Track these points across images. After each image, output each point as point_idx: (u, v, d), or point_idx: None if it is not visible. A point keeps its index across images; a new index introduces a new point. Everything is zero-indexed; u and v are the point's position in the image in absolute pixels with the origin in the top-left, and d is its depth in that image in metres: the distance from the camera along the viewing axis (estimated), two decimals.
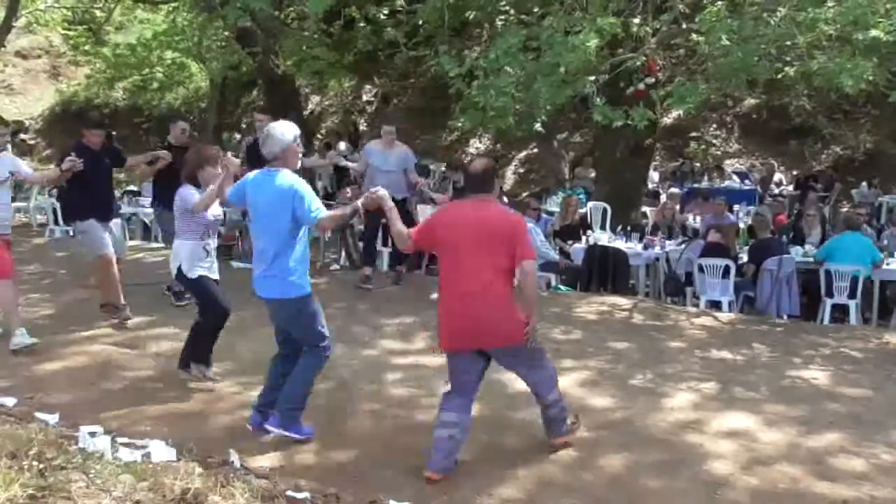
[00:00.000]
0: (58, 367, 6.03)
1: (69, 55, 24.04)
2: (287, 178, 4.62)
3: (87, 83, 24.15)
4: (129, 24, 22.11)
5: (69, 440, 4.36)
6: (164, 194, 7.33)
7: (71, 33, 21.85)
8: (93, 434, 4.46)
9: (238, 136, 19.09)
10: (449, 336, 4.44)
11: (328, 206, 11.43)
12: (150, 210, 12.75)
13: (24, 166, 7.12)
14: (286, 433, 4.72)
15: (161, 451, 4.34)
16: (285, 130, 4.68)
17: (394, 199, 7.81)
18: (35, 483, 3.54)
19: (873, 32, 6.75)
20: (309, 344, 4.81)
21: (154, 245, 11.77)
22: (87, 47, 21.64)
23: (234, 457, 4.40)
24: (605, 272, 9.40)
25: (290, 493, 4.07)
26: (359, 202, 4.83)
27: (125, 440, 4.48)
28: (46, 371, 5.93)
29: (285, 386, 4.79)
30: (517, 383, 5.81)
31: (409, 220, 8.60)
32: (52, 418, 4.81)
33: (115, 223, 7.48)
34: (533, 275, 4.38)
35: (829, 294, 8.65)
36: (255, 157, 7.67)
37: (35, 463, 3.78)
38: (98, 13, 19.49)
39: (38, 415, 4.84)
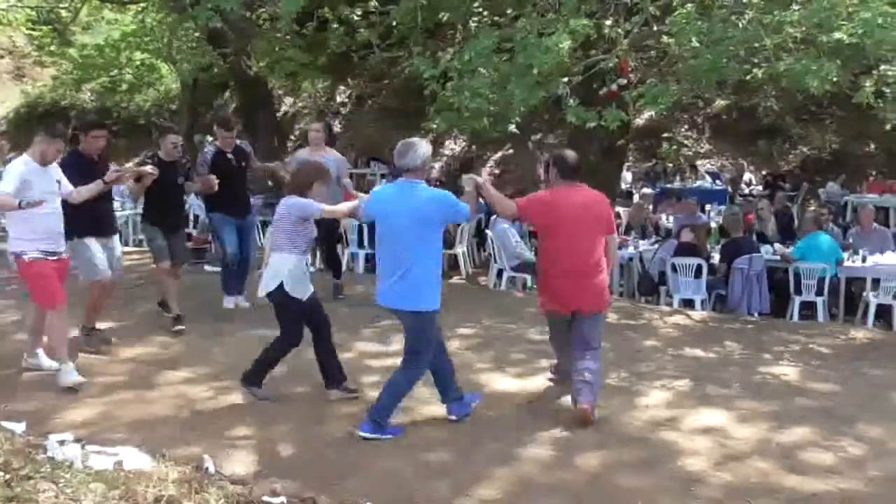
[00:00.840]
0: (25, 374, 5.95)
1: (34, 56, 23.66)
2: (429, 189, 4.92)
3: (54, 84, 23.79)
4: (97, 24, 21.79)
5: (37, 449, 4.31)
6: (152, 210, 7.12)
7: (35, 33, 21.52)
8: (62, 442, 4.41)
9: (210, 139, 18.96)
10: (563, 303, 5.29)
11: None
12: (120, 214, 12.68)
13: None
14: (384, 436, 4.83)
15: (133, 459, 4.30)
16: (424, 143, 4.89)
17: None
18: (1, 494, 3.48)
19: (837, 35, 6.86)
20: (415, 353, 4.95)
21: (125, 249, 11.64)
22: (52, 48, 21.32)
23: (209, 462, 4.37)
24: None
25: (265, 497, 4.06)
26: (467, 188, 5.09)
27: (96, 448, 4.43)
28: (13, 378, 5.84)
29: (384, 396, 4.88)
30: (495, 383, 5.85)
31: (333, 232, 8.41)
32: (19, 427, 4.74)
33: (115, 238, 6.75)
34: (616, 245, 5.66)
35: (798, 292, 8.78)
36: (221, 167, 7.31)
37: (1, 473, 3.72)
38: (64, 13, 19.20)
39: (5, 424, 4.77)
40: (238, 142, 7.67)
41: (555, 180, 5.35)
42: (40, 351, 5.98)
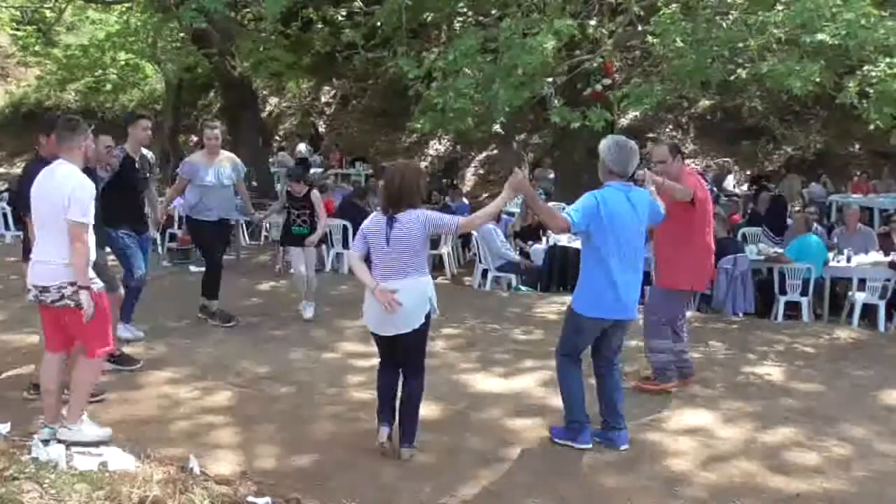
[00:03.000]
0: (8, 374, 5.89)
1: (18, 56, 23.50)
2: (643, 192, 4.94)
3: (38, 85, 23.66)
4: (81, 24, 21.67)
5: (21, 450, 4.27)
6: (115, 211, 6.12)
7: (20, 33, 21.35)
8: (46, 443, 4.37)
9: (195, 139, 18.87)
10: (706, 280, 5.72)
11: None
12: None
13: None
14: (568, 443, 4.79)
15: (118, 459, 4.28)
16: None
17: (224, 222, 7.50)
18: None
19: (820, 36, 6.90)
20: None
21: (108, 248, 11.56)
22: (36, 48, 21.16)
23: (194, 463, 4.35)
24: (566, 272, 9.47)
25: (250, 498, 4.04)
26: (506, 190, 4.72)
27: (80, 448, 4.39)
28: None
29: (611, 400, 4.84)
30: (479, 384, 5.85)
31: (225, 238, 7.84)
32: (4, 427, 4.70)
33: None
34: None
35: (783, 292, 8.83)
36: (131, 170, 6.48)
37: None
38: (48, 13, 19.05)
39: None
40: (143, 150, 6.74)
41: (679, 163, 5.75)
42: (85, 416, 4.76)
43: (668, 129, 18.51)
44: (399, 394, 4.63)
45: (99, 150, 5.92)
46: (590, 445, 4.71)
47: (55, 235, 4.44)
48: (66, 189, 4.38)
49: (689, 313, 8.38)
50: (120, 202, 6.23)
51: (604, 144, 4.78)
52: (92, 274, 4.52)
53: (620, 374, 4.98)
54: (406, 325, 4.45)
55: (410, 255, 4.43)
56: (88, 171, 4.94)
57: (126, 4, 17.06)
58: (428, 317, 4.51)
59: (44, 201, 4.50)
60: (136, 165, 6.57)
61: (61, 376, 4.68)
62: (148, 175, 6.80)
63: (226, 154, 7.44)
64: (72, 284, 4.41)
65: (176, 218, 11.61)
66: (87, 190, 4.45)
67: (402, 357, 4.60)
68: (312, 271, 7.81)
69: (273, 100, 23.38)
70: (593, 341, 4.86)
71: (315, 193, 7.75)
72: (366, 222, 4.62)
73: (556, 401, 5.55)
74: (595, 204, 4.58)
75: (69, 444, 4.42)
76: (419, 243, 4.45)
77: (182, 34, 15.73)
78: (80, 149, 4.62)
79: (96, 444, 4.49)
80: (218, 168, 7.22)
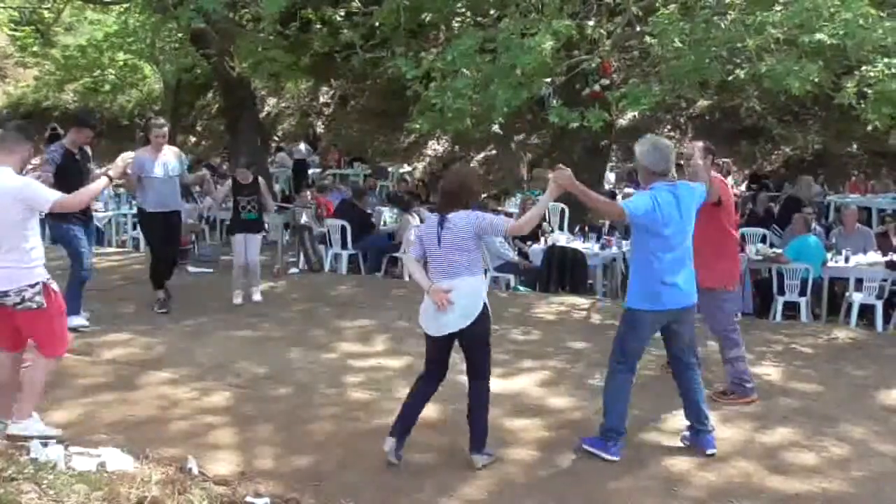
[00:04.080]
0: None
1: (16, 57, 23.51)
2: (687, 185, 4.86)
3: (36, 85, 23.66)
4: (79, 24, 21.66)
5: (20, 450, 4.27)
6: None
7: (18, 34, 21.37)
8: (45, 444, 4.37)
9: (193, 140, 18.87)
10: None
11: (285, 210, 11.26)
12: (102, 215, 12.61)
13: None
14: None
15: (116, 460, 4.27)
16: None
17: (171, 212, 7.66)
18: None
19: (818, 36, 6.90)
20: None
21: (107, 250, 11.59)
22: (35, 48, 21.19)
23: (192, 463, 4.35)
24: (564, 272, 9.48)
25: (249, 498, 4.05)
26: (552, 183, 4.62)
27: (79, 449, 4.39)
28: None
29: (692, 401, 4.83)
30: None
31: (178, 229, 7.91)
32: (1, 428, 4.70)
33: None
34: None
35: (781, 292, 8.83)
36: (72, 166, 6.65)
37: None
38: (46, 13, 19.06)
39: None
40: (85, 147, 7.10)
41: (708, 165, 5.51)
42: (35, 413, 4.74)
43: (666, 130, 18.52)
44: (423, 402, 4.64)
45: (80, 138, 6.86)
46: (618, 458, 4.62)
47: (10, 240, 4.46)
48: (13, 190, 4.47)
49: None
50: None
51: (641, 148, 4.76)
52: (46, 272, 4.59)
53: (699, 374, 4.90)
54: (461, 321, 4.44)
55: (461, 254, 4.46)
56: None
57: (124, 5, 17.02)
58: (486, 316, 4.48)
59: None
60: (77, 158, 6.88)
61: (13, 374, 4.71)
62: (89, 167, 7.06)
63: (169, 148, 7.71)
64: (32, 287, 4.45)
65: None
66: (33, 182, 4.69)
67: (468, 359, 4.58)
68: (256, 257, 8.28)
69: (272, 100, 23.37)
70: (663, 342, 4.94)
71: (261, 180, 8.34)
72: (421, 227, 4.73)
73: (554, 400, 5.57)
74: (652, 201, 4.57)
75: (11, 438, 4.46)
76: (470, 243, 4.46)
77: (180, 34, 15.72)
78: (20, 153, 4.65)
79: (43, 439, 4.47)
80: (164, 161, 7.50)
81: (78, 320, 6.78)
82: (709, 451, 4.72)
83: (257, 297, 8.22)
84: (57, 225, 6.93)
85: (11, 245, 4.45)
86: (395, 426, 4.55)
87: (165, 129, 7.73)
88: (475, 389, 4.56)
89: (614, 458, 4.62)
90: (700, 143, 5.71)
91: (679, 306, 4.69)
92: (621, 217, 5.00)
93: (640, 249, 4.72)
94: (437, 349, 4.58)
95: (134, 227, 12.96)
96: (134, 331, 7.05)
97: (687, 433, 4.87)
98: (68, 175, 6.31)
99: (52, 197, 4.60)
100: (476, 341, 4.51)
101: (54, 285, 4.58)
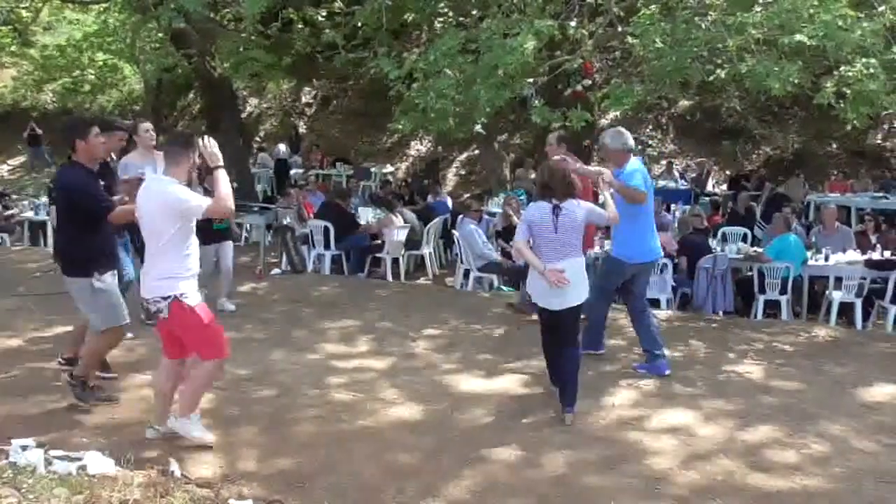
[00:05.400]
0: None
1: None
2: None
3: (14, 85, 23.44)
4: (58, 24, 21.49)
5: None
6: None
7: None
8: (24, 447, 4.33)
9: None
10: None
11: (267, 210, 11.19)
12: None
13: None
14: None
15: (97, 463, 4.23)
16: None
17: None
18: None
19: (798, 36, 6.96)
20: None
21: None
22: (13, 48, 20.99)
23: (174, 466, 4.32)
24: None
25: (232, 501, 4.03)
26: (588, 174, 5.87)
27: (59, 453, 4.35)
28: None
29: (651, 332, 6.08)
30: (461, 384, 5.85)
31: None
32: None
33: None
34: None
35: (762, 291, 8.90)
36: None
37: None
38: (24, 13, 18.88)
39: None
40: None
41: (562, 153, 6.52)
42: (194, 415, 4.74)
43: (648, 130, 18.62)
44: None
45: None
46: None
47: (153, 248, 4.51)
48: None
49: (668, 312, 8.49)
50: None
51: (610, 138, 6.03)
52: (187, 288, 4.49)
53: (649, 312, 6.23)
54: (576, 298, 5.17)
55: (575, 237, 5.14)
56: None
57: (104, 4, 16.93)
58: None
59: (147, 213, 4.51)
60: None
61: (173, 381, 4.75)
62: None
63: (157, 153, 6.92)
64: (164, 299, 4.44)
65: None
66: (183, 191, 4.48)
67: (562, 330, 5.23)
68: (230, 265, 7.91)
69: (253, 100, 23.26)
70: (624, 289, 6.15)
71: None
72: (531, 214, 5.21)
73: (538, 400, 5.58)
74: (644, 171, 5.88)
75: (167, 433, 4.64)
76: (581, 227, 5.18)
77: (161, 34, 15.64)
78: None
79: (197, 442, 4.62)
80: (155, 166, 6.59)
81: None
82: (665, 372, 5.96)
83: (231, 306, 7.81)
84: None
85: (152, 254, 4.52)
86: (553, 378, 5.45)
87: (148, 125, 7.09)
88: (572, 354, 5.21)
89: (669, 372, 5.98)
90: (554, 134, 6.82)
91: (655, 258, 6.15)
92: (643, 198, 5.83)
93: (633, 212, 5.74)
94: (559, 319, 5.21)
95: None
96: None
97: (639, 364, 6.12)
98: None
99: (204, 203, 4.48)
100: (575, 315, 5.23)
101: (189, 300, 4.47)
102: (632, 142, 6.02)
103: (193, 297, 4.50)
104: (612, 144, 6.01)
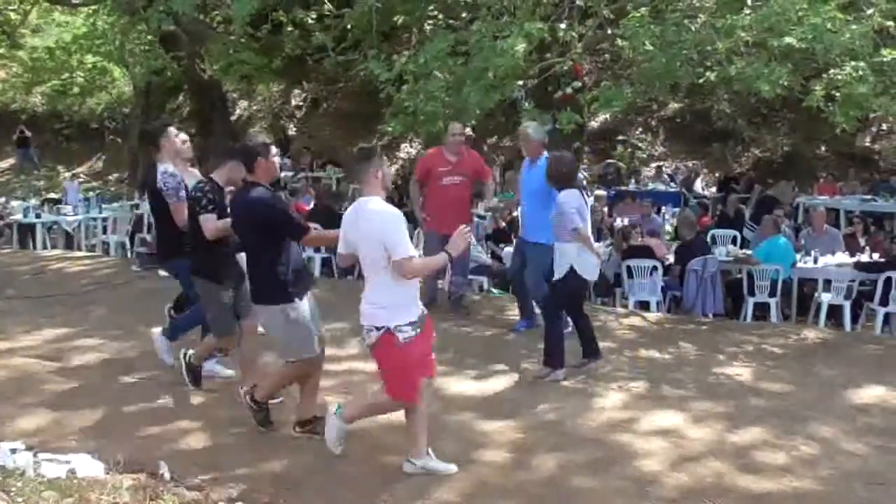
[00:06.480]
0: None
1: None
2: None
3: (3, 88, 23.34)
4: (47, 26, 21.41)
5: None
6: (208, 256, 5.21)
7: None
8: (13, 450, 4.30)
9: None
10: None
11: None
12: (72, 219, 12.47)
13: None
14: None
15: (87, 466, 4.22)
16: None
17: None
18: None
19: (787, 39, 7.00)
20: None
21: (77, 254, 11.45)
22: (1, 50, 20.91)
23: (164, 469, 4.30)
24: None
25: (221, 503, 4.01)
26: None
27: (48, 456, 4.33)
28: None
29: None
30: (451, 386, 5.85)
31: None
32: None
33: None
34: None
35: (752, 293, 8.92)
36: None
37: None
38: (13, 15, 18.82)
39: None
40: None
41: None
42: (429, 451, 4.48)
43: (637, 132, 18.67)
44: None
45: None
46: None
47: (372, 277, 4.37)
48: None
49: (658, 315, 8.50)
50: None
51: (532, 129, 6.72)
52: (402, 319, 4.26)
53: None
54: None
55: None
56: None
57: (93, 6, 16.86)
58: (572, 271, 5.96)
59: (363, 241, 4.34)
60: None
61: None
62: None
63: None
64: (377, 329, 4.27)
65: (145, 222, 11.50)
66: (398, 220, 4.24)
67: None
68: None
69: (243, 103, 23.20)
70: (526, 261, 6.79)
71: None
72: (577, 203, 5.83)
73: (528, 402, 5.58)
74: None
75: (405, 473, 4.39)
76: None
77: (150, 36, 15.61)
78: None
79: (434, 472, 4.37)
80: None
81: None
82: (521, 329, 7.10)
83: None
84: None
85: (372, 282, 4.38)
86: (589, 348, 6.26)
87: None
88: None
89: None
90: (530, 125, 7.00)
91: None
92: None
93: (548, 200, 6.20)
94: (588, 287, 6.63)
95: (104, 231, 12.84)
96: (104, 335, 6.96)
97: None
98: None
99: (408, 252, 4.19)
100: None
101: (402, 335, 4.23)
102: (546, 138, 6.83)
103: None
104: (535, 135, 6.67)
